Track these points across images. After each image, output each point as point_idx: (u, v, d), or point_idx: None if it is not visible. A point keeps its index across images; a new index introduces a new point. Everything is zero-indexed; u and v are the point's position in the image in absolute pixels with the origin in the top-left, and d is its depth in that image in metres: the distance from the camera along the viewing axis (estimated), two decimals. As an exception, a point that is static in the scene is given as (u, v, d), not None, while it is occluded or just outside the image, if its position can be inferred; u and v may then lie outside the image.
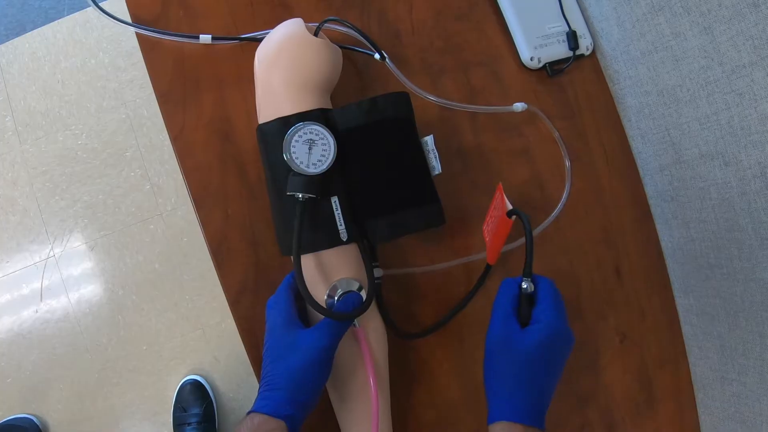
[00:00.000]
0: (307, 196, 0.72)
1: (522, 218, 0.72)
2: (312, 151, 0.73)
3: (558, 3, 0.99)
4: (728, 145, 0.83)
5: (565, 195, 0.95)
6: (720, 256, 0.91)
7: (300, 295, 0.78)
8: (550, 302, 0.72)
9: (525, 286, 0.73)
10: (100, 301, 2.09)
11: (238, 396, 2.04)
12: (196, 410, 1.94)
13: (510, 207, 0.75)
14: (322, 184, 0.73)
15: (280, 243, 0.80)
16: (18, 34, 2.20)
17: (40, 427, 1.99)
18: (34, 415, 2.00)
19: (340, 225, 0.75)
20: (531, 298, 0.74)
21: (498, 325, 0.72)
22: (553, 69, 0.99)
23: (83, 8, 2.21)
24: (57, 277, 2.10)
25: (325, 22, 0.84)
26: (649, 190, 1.03)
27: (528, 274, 0.73)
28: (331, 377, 0.75)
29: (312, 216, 0.74)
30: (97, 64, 2.18)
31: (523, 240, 0.92)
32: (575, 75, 1.02)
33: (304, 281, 0.70)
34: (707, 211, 0.91)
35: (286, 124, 0.75)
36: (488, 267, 0.89)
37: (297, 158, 0.73)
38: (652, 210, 1.03)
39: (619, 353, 0.99)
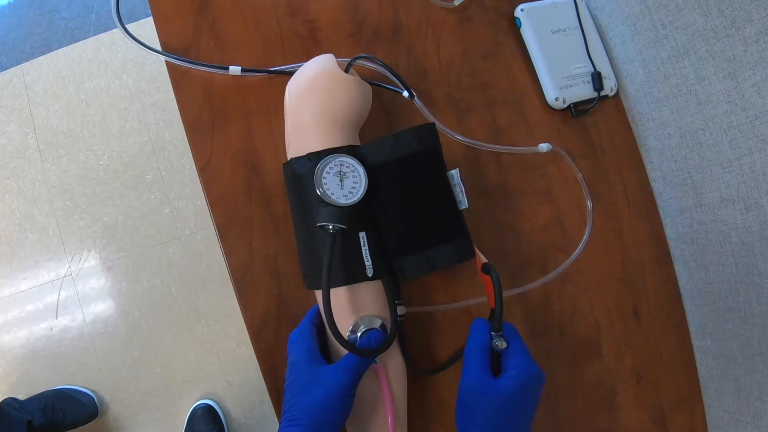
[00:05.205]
0: (338, 227, 0.71)
1: (492, 276, 0.72)
2: (343, 183, 0.74)
3: (584, 44, 1.00)
4: (750, 191, 0.83)
5: (586, 236, 0.96)
6: (738, 300, 0.91)
7: (322, 329, 0.79)
8: (518, 346, 0.72)
9: (497, 343, 0.71)
10: (115, 322, 2.10)
11: (249, 421, 2.01)
12: (207, 434, 1.95)
13: (484, 260, 0.75)
14: (351, 217, 0.73)
15: (305, 277, 0.81)
16: (43, 53, 2.24)
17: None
18: (45, 433, 2.01)
19: (367, 261, 0.75)
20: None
21: (470, 374, 0.71)
22: (577, 109, 0.99)
23: (109, 29, 2.25)
24: (73, 296, 2.12)
25: (357, 59, 0.85)
26: (669, 231, 1.03)
27: (498, 329, 0.72)
28: (350, 414, 0.74)
29: (339, 251, 0.74)
30: (121, 85, 2.21)
31: (527, 286, 0.92)
32: (599, 115, 1.03)
33: (331, 314, 0.69)
34: (727, 255, 0.91)
35: (316, 158, 0.75)
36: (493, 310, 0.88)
37: (328, 189, 0.73)
38: (672, 251, 1.03)
39: (635, 393, 0.99)
